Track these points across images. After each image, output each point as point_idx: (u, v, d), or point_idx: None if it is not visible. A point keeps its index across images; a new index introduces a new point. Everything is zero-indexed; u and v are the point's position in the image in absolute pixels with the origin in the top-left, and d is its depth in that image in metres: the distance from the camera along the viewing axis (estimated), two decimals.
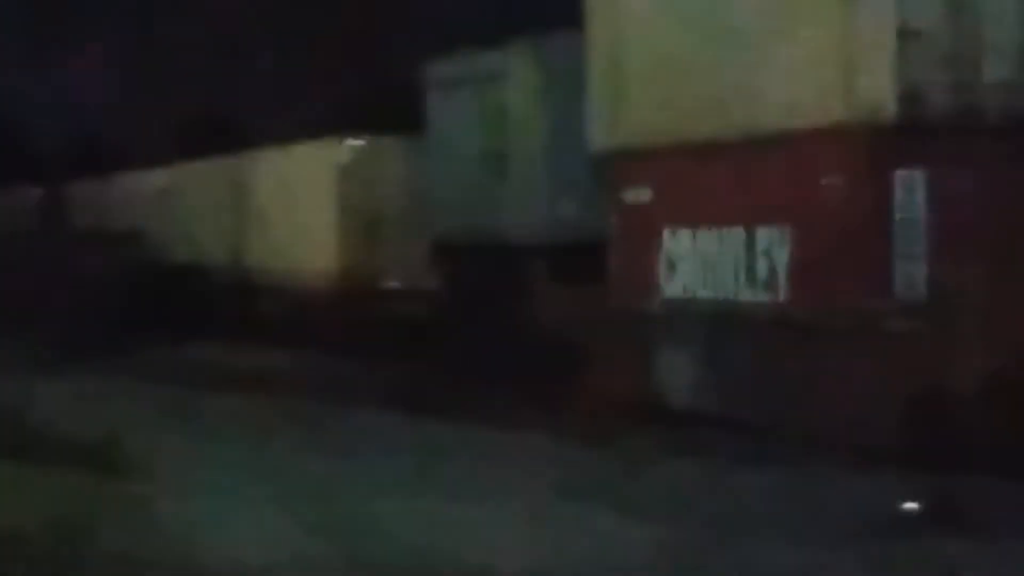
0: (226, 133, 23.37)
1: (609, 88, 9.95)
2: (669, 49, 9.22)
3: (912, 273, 7.23)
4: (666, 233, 9.19)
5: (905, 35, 7.08)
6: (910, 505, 5.97)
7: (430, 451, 8.24)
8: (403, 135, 15.76)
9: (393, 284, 15.87)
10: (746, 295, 8.39)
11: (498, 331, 12.27)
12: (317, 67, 24.94)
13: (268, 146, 19.51)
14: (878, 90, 7.13)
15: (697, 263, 8.87)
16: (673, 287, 9.18)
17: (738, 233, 8.41)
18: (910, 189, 7.16)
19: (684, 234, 9.00)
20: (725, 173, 8.59)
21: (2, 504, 6.34)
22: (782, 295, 8.02)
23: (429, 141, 14.38)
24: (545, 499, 6.54)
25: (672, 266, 9.15)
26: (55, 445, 8.15)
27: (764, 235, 8.14)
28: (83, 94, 33.49)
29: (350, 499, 6.75)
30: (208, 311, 18.37)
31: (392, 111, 17.59)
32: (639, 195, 9.54)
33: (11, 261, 19.71)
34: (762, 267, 8.16)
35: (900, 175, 7.15)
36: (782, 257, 7.97)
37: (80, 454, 7.80)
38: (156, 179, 22.66)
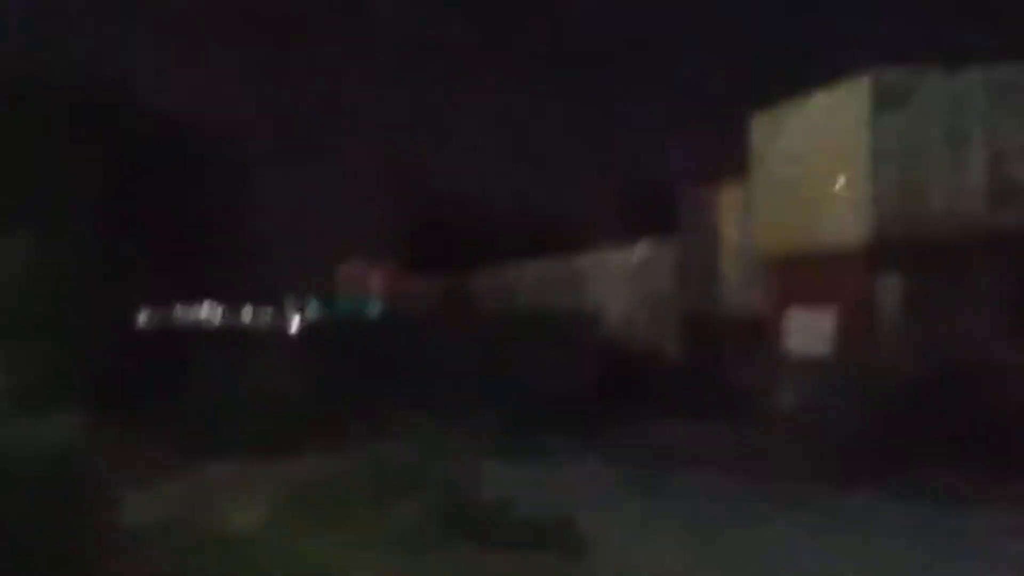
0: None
1: (759, 215, 15.03)
2: (781, 197, 14.22)
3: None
4: (786, 312, 14.06)
5: (876, 199, 11.81)
6: None
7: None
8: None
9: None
10: (821, 352, 13.12)
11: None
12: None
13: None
14: (859, 225, 11.89)
15: (798, 331, 13.67)
16: (790, 345, 14.00)
17: (814, 313, 13.19)
18: (886, 288, 11.77)
19: (792, 312, 13.85)
20: (807, 273, 13.41)
21: None
22: (831, 351, 12.77)
23: None
24: None
25: (789, 333, 13.99)
26: (512, 527, 8.11)
27: (823, 315, 12.91)
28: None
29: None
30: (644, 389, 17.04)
31: None
32: (775, 286, 14.47)
33: (432, 346, 18.68)
34: (820, 334, 12.92)
35: (880, 278, 11.82)
36: (830, 328, 12.72)
37: (537, 535, 7.78)
38: (548, 267, 26.14)
